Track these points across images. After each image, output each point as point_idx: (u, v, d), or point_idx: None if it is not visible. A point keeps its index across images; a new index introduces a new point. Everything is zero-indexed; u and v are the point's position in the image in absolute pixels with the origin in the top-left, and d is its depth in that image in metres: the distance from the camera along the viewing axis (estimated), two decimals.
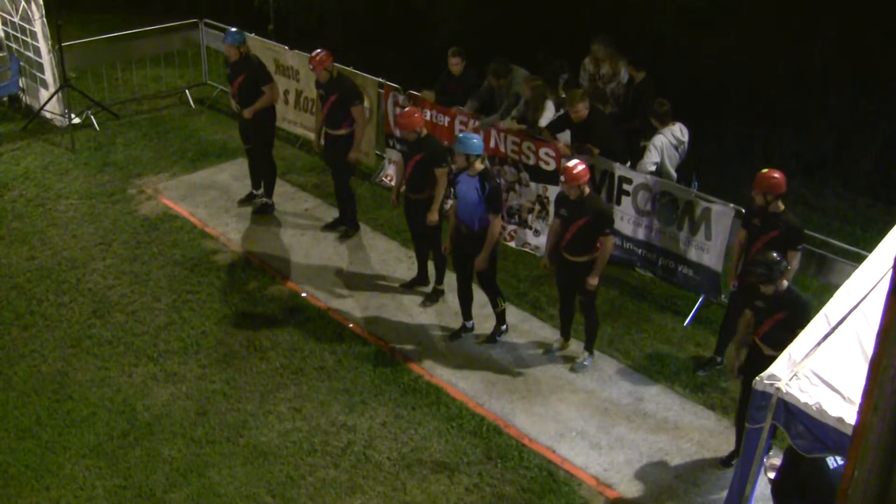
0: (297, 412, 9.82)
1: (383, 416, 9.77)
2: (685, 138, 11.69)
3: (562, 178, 9.87)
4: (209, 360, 10.60)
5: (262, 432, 9.55)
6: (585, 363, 10.48)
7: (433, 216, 11.11)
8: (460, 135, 10.49)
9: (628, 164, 11.85)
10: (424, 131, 11.22)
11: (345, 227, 13.00)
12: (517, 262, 12.44)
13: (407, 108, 12.01)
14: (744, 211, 10.16)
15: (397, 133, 13.24)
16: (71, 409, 9.83)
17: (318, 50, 12.43)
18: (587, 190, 9.82)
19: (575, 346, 10.76)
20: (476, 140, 10.29)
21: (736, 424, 9.05)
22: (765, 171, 9.48)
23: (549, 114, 12.40)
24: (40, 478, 8.94)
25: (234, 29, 13.16)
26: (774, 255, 8.24)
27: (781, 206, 9.45)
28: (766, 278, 8.19)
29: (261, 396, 10.04)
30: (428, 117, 13.60)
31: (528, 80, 12.49)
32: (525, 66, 13.06)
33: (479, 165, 10.19)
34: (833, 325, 6.77)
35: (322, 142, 12.94)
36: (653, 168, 11.51)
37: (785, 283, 8.25)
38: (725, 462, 9.08)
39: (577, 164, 9.77)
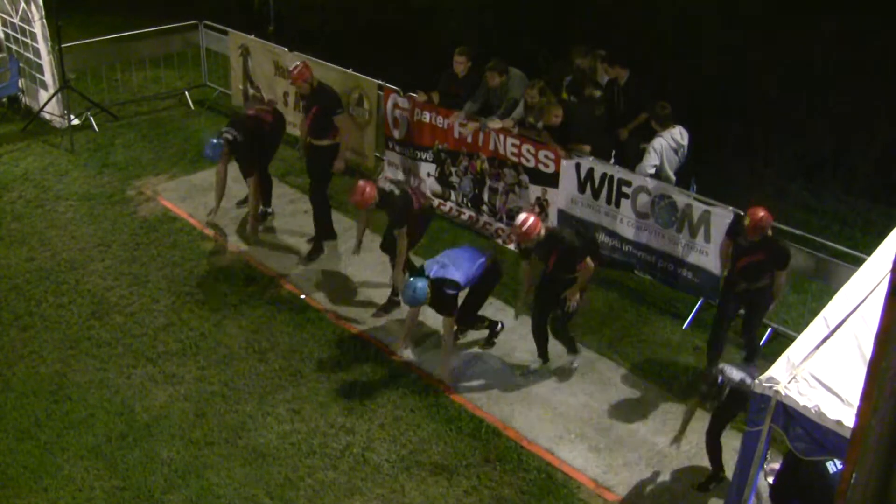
0: (296, 414, 9.82)
1: (382, 419, 9.77)
2: (685, 142, 11.68)
3: (514, 237, 9.80)
4: (208, 361, 10.60)
5: (260, 434, 9.54)
6: (575, 364, 10.43)
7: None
8: (406, 287, 10.13)
9: (613, 157, 11.94)
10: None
11: (315, 245, 12.79)
12: (515, 264, 12.42)
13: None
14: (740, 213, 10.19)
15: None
16: (69, 411, 9.82)
17: (297, 63, 12.37)
18: (543, 231, 9.79)
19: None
20: (420, 285, 9.99)
21: (707, 446, 8.92)
22: (756, 214, 9.44)
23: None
24: (39, 479, 8.94)
25: (214, 141, 12.84)
26: (714, 374, 8.17)
27: (769, 233, 9.51)
28: (710, 396, 8.21)
29: (259, 398, 10.04)
30: (428, 119, 13.62)
31: (533, 83, 12.48)
32: (525, 69, 13.07)
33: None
34: (832, 327, 6.78)
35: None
36: (652, 171, 11.50)
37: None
38: (703, 487, 8.89)
39: (524, 222, 9.72)
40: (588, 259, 9.90)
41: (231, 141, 12.62)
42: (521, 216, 9.85)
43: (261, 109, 13.44)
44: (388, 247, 11.46)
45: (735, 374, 8.44)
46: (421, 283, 10.06)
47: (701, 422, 9.60)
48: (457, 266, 10.26)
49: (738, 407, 8.38)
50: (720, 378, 8.48)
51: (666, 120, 11.60)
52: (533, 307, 10.41)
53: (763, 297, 9.84)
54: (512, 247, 12.78)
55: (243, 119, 13.11)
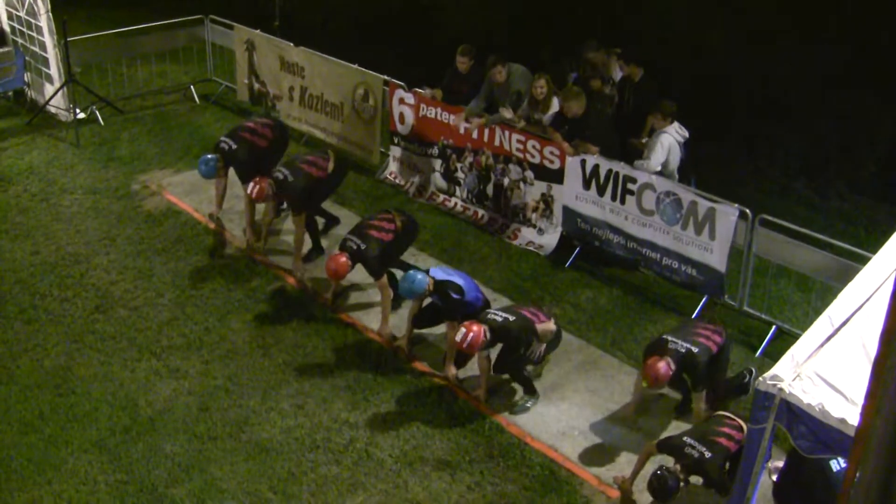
0: (300, 409, 9.83)
1: (385, 414, 9.78)
2: (686, 134, 11.68)
3: (466, 351, 9.63)
4: (212, 356, 10.61)
5: (264, 429, 9.55)
6: (528, 405, 9.99)
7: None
8: (404, 279, 10.25)
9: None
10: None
11: (315, 244, 12.62)
12: (520, 261, 12.44)
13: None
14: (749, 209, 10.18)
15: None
16: (73, 404, 9.84)
17: (251, 185, 12.00)
18: (488, 334, 9.47)
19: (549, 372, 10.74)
20: (419, 277, 10.15)
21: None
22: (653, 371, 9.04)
23: (555, 111, 12.42)
24: (43, 472, 8.96)
25: (209, 157, 12.77)
26: (663, 477, 8.14)
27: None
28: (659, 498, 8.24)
29: (263, 393, 10.05)
30: (434, 115, 13.62)
31: (539, 76, 12.48)
32: (530, 66, 13.07)
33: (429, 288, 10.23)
34: (836, 326, 6.77)
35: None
36: (658, 168, 11.50)
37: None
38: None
39: (465, 337, 9.35)
40: (543, 325, 9.79)
41: (226, 151, 12.48)
42: (461, 332, 9.40)
43: (261, 123, 13.13)
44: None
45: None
46: (420, 276, 10.12)
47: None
48: (462, 279, 10.39)
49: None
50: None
51: (671, 116, 11.58)
52: (497, 360, 10.00)
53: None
54: (517, 243, 12.78)
55: (241, 129, 12.90)
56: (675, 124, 11.63)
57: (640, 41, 14.52)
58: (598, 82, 12.78)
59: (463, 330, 9.41)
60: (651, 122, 12.01)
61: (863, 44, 14.20)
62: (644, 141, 12.11)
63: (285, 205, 12.76)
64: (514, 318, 9.69)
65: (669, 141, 11.55)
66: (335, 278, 11.02)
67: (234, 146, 12.26)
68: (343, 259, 10.74)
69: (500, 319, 9.63)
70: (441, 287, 10.15)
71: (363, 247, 10.84)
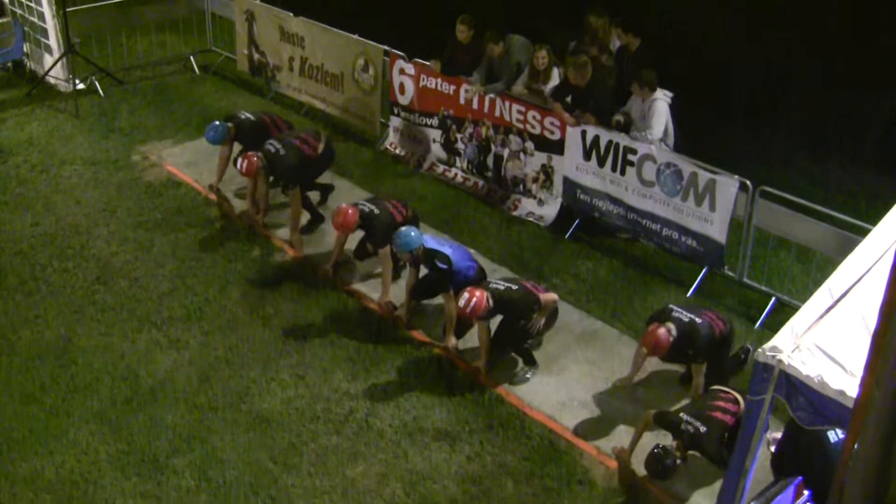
0: (300, 379, 9.85)
1: (385, 385, 9.81)
2: (670, 99, 11.65)
3: (469, 317, 9.62)
4: (212, 326, 10.63)
5: (264, 399, 9.58)
6: (528, 376, 10.03)
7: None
8: (398, 234, 10.29)
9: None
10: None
11: (314, 215, 12.67)
12: (520, 231, 12.44)
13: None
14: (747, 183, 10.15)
15: None
16: (74, 375, 9.87)
17: (240, 160, 11.99)
18: (491, 301, 9.51)
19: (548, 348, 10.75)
20: (413, 233, 10.21)
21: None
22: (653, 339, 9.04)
23: (555, 82, 12.38)
24: (44, 442, 8.99)
25: (217, 123, 12.77)
26: (659, 456, 8.17)
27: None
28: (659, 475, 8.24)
29: (263, 364, 10.07)
30: (434, 86, 13.59)
31: (539, 47, 12.43)
32: (528, 37, 13.01)
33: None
34: (836, 298, 6.76)
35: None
36: (661, 135, 11.46)
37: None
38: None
39: (468, 303, 9.37)
40: (546, 295, 9.88)
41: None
42: (464, 297, 9.43)
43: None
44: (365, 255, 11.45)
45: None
46: (415, 232, 10.22)
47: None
48: (453, 249, 10.41)
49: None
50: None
51: (654, 85, 11.48)
52: (496, 333, 10.05)
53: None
54: (517, 213, 12.77)
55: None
56: (660, 90, 11.56)
57: (641, 11, 14.42)
58: (594, 50, 12.70)
59: (466, 295, 9.42)
60: (635, 95, 11.84)
61: (867, 13, 14.15)
62: (619, 119, 11.93)
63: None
64: (516, 287, 9.73)
65: (664, 108, 11.50)
66: (342, 229, 11.00)
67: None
68: (351, 212, 10.80)
69: (502, 288, 9.67)
70: (429, 256, 10.16)
71: (376, 212, 10.91)
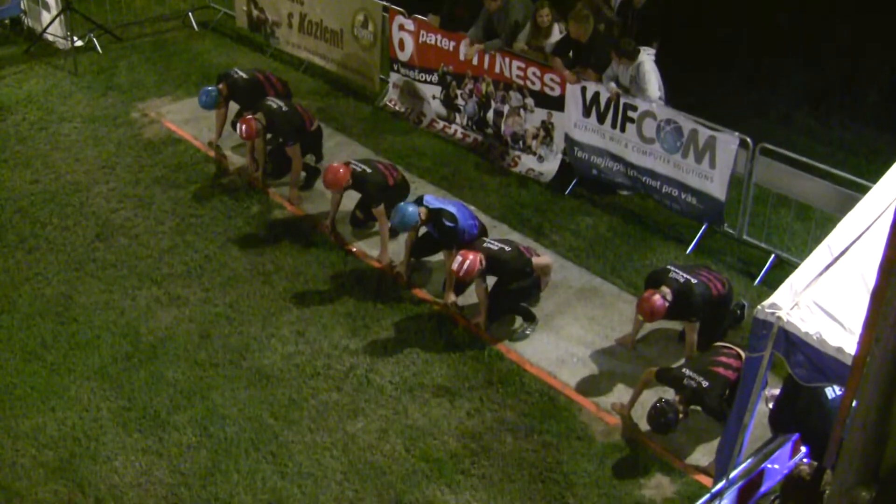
0: (300, 336, 9.88)
1: (385, 341, 9.84)
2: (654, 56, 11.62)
3: (462, 278, 9.58)
4: (212, 283, 10.64)
5: (264, 355, 9.62)
6: (527, 332, 10.06)
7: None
8: (395, 211, 10.23)
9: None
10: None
11: (311, 172, 12.64)
12: (520, 188, 12.42)
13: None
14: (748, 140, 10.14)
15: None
16: (75, 332, 9.89)
17: (239, 124, 12.02)
18: (484, 262, 9.54)
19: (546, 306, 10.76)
20: (411, 209, 10.14)
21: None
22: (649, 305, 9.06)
23: (555, 38, 12.31)
24: (46, 399, 9.04)
25: (209, 88, 12.71)
26: (662, 410, 8.21)
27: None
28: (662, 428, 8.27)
29: (263, 320, 10.10)
30: (434, 42, 13.52)
31: (542, 3, 12.34)
32: None
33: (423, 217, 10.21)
34: (835, 255, 6.76)
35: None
36: (660, 93, 11.43)
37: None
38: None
39: (461, 265, 9.42)
40: (539, 259, 9.95)
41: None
42: (458, 259, 9.48)
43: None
44: (358, 222, 11.53)
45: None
46: (412, 209, 10.12)
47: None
48: (456, 207, 10.40)
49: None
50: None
51: (634, 53, 11.42)
52: (492, 290, 10.08)
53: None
54: (517, 170, 12.75)
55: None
56: (643, 50, 11.51)
57: None
58: (597, 2, 12.60)
59: (459, 258, 9.45)
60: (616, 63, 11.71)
61: None
62: (613, 86, 11.83)
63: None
64: (509, 248, 9.76)
65: (652, 66, 11.45)
66: (333, 187, 10.98)
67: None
68: (343, 170, 10.79)
69: (495, 248, 9.69)
70: (435, 215, 10.16)
71: (368, 171, 10.89)
